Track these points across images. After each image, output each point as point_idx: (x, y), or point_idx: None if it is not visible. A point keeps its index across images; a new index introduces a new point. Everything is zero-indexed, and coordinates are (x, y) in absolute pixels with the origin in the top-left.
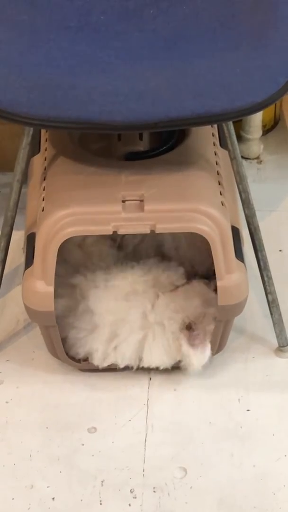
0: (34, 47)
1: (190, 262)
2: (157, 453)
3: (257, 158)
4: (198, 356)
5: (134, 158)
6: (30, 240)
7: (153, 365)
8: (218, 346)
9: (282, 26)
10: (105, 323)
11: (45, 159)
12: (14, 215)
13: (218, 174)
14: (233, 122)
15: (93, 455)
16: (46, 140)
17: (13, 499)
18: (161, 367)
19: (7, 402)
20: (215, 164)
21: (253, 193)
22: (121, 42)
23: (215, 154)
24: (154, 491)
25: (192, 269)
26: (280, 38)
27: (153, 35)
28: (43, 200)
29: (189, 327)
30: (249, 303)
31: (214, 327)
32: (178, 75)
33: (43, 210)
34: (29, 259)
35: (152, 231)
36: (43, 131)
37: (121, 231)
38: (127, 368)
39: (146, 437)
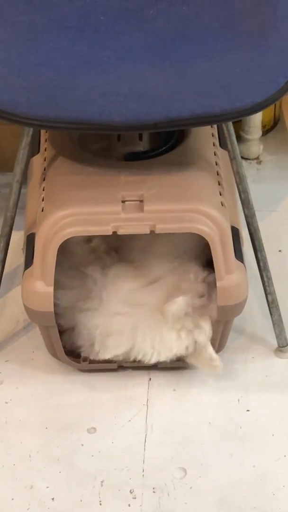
0: (33, 48)
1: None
2: (157, 454)
3: (257, 158)
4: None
5: (133, 159)
6: (30, 240)
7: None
8: (217, 347)
9: (282, 26)
10: (117, 311)
11: (45, 160)
12: (13, 215)
13: (217, 174)
14: (233, 123)
15: (92, 456)
16: (45, 141)
17: (12, 499)
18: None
19: (6, 403)
20: (215, 164)
21: (252, 194)
22: (121, 42)
23: (215, 155)
24: (154, 492)
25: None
26: (280, 38)
27: (153, 36)
28: (43, 200)
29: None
30: (248, 304)
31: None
32: (178, 75)
33: (42, 211)
34: (29, 260)
35: (152, 232)
36: (42, 131)
37: (121, 232)
38: (127, 368)
39: (145, 437)
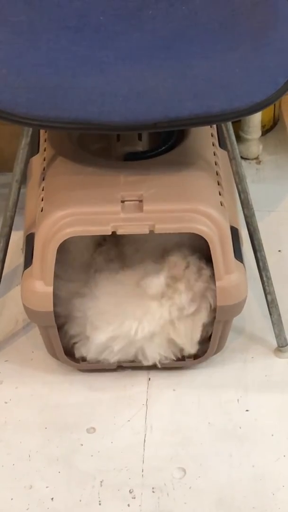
0: (33, 48)
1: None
2: (156, 454)
3: (256, 158)
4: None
5: (133, 159)
6: (29, 240)
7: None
8: (217, 346)
9: (281, 26)
10: (105, 291)
11: (44, 160)
12: (13, 215)
13: (217, 174)
14: (232, 123)
15: (92, 456)
16: (45, 141)
17: (12, 499)
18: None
19: (6, 403)
20: (214, 164)
21: (252, 194)
22: (120, 42)
23: (214, 155)
24: (153, 492)
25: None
26: (279, 38)
27: (152, 36)
28: (42, 200)
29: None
30: (248, 304)
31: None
32: (177, 75)
33: (42, 211)
34: (28, 260)
35: (151, 232)
36: (42, 131)
37: (120, 232)
38: (126, 368)
39: (145, 437)
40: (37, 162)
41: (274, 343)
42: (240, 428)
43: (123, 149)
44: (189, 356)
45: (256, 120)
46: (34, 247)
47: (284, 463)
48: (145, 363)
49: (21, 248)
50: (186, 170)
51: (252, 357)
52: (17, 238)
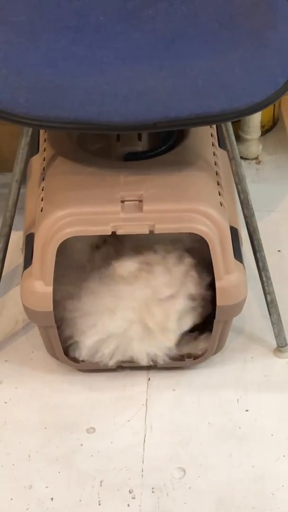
0: (32, 48)
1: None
2: (156, 454)
3: (256, 158)
4: None
5: (133, 159)
6: (29, 240)
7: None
8: (216, 346)
9: (281, 26)
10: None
11: (44, 160)
12: (13, 215)
13: (217, 174)
14: (232, 123)
15: (91, 456)
16: (45, 141)
17: (11, 499)
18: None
19: (5, 403)
20: (214, 164)
21: (252, 194)
22: (120, 42)
23: (214, 155)
24: (153, 492)
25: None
26: (279, 38)
27: (152, 35)
28: (42, 200)
29: None
30: (247, 304)
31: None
32: (177, 75)
33: (42, 211)
34: (28, 260)
35: (151, 232)
36: (42, 131)
37: (120, 232)
38: (126, 368)
39: (144, 437)
40: (37, 162)
41: (273, 343)
42: (240, 428)
43: (123, 149)
44: (188, 356)
45: (255, 120)
46: (34, 247)
47: (283, 463)
48: (141, 362)
49: (20, 248)
50: (186, 170)
51: (252, 357)
52: (16, 238)
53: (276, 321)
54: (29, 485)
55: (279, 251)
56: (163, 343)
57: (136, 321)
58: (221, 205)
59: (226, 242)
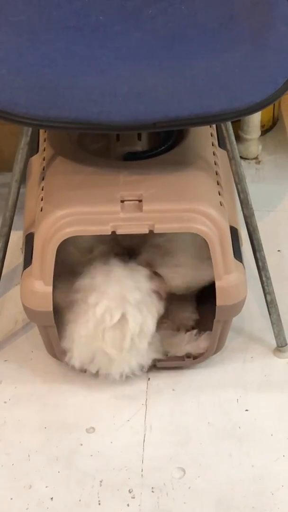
0: (32, 48)
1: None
2: (156, 453)
3: (256, 158)
4: None
5: (132, 158)
6: (29, 240)
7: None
8: (216, 346)
9: (280, 26)
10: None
11: (44, 159)
12: (12, 215)
13: (216, 174)
14: (232, 122)
15: (91, 455)
16: (44, 140)
17: (11, 499)
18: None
19: (5, 402)
20: (214, 164)
21: (251, 193)
22: (120, 42)
23: (214, 154)
24: (153, 491)
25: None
26: (279, 38)
27: (152, 35)
28: (42, 200)
29: None
30: (247, 303)
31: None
32: (177, 75)
33: (41, 210)
34: (28, 259)
35: (151, 231)
36: (41, 131)
37: (120, 231)
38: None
39: (144, 437)
40: (36, 161)
41: (273, 343)
42: (239, 428)
43: (123, 149)
44: (188, 356)
45: (255, 120)
46: (34, 247)
47: (283, 463)
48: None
49: (20, 248)
50: (186, 170)
51: (252, 357)
52: (16, 238)
53: (275, 321)
54: (29, 485)
55: (279, 251)
56: (124, 359)
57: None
58: (221, 205)
59: (226, 242)
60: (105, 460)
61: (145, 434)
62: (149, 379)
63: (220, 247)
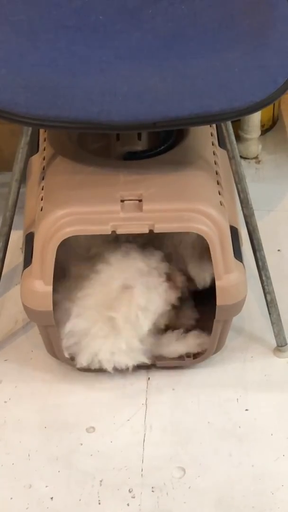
0: (32, 47)
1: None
2: (156, 453)
3: (256, 157)
4: None
5: (132, 158)
6: (29, 239)
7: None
8: (216, 346)
9: (280, 26)
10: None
11: (44, 159)
12: (12, 215)
13: (216, 173)
14: (232, 122)
15: (91, 455)
16: (44, 140)
17: (11, 498)
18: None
19: (5, 402)
20: (214, 163)
21: (251, 193)
22: (120, 41)
23: (214, 154)
24: (153, 491)
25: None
26: (279, 38)
27: (152, 35)
28: (42, 199)
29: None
30: (247, 303)
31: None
32: (177, 74)
33: (41, 210)
34: (28, 259)
35: (151, 231)
36: (41, 130)
37: (120, 231)
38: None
39: (144, 437)
40: (36, 161)
41: (273, 342)
42: (239, 427)
43: (123, 149)
44: (188, 355)
45: (255, 119)
46: (34, 247)
47: (283, 463)
48: (105, 365)
49: (20, 248)
50: (186, 170)
51: (252, 357)
52: (16, 238)
53: (275, 321)
54: (29, 485)
55: (279, 250)
56: (128, 338)
57: (99, 320)
58: (221, 204)
59: (226, 241)
60: (105, 459)
61: (145, 434)
62: (149, 378)
63: (220, 247)
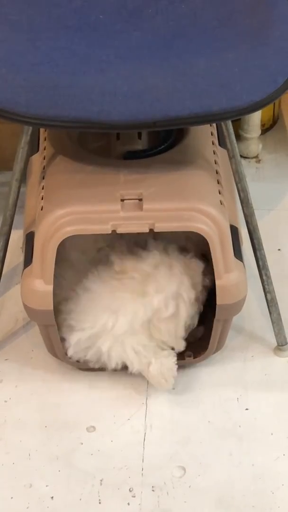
0: (32, 47)
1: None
2: (156, 452)
3: (256, 157)
4: None
5: (132, 157)
6: (29, 239)
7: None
8: (217, 345)
9: (280, 25)
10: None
11: (44, 158)
12: (13, 214)
13: (217, 173)
14: (232, 121)
15: (92, 454)
16: (45, 139)
17: (12, 498)
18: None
19: (5, 401)
20: (214, 163)
21: (251, 192)
22: (120, 41)
23: (214, 153)
24: (153, 490)
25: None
26: (279, 37)
27: (152, 34)
28: (42, 199)
29: None
30: (247, 302)
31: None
32: (177, 74)
33: (42, 209)
34: (28, 258)
35: (151, 230)
36: (42, 130)
37: (120, 230)
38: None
39: (145, 436)
40: (37, 160)
41: (273, 341)
42: (239, 426)
43: (123, 148)
44: (188, 355)
45: (255, 119)
46: (34, 246)
47: (283, 462)
48: (132, 365)
49: (20, 247)
50: (186, 169)
51: (252, 356)
52: (16, 237)
53: (276, 320)
54: (29, 484)
55: (279, 249)
56: (174, 347)
57: (139, 330)
58: (221, 203)
59: (226, 241)
60: (105, 459)
61: (145, 433)
62: None
63: (221, 246)
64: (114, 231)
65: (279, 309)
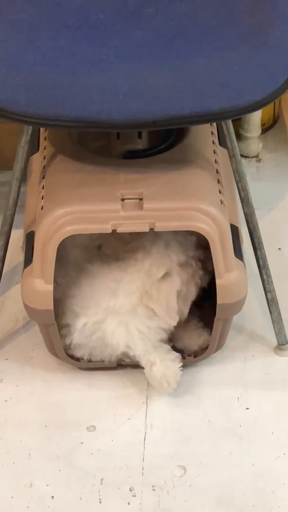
0: (33, 46)
1: None
2: (156, 452)
3: (256, 156)
4: None
5: (133, 157)
6: (29, 238)
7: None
8: (217, 345)
9: (281, 25)
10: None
11: (44, 158)
12: (13, 213)
13: (217, 172)
14: (232, 121)
15: (92, 454)
16: (45, 139)
17: (12, 497)
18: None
19: (6, 401)
20: (214, 162)
21: (252, 192)
22: (120, 40)
23: (214, 153)
24: (153, 490)
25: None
26: (279, 37)
27: (152, 34)
28: (42, 198)
29: None
30: (248, 302)
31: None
32: (177, 73)
33: (42, 209)
34: (28, 258)
35: (151, 230)
36: (42, 129)
37: (120, 230)
38: (126, 366)
39: (145, 435)
40: (37, 160)
41: (274, 341)
42: (240, 426)
43: (123, 147)
44: (189, 354)
45: (256, 118)
46: (34, 245)
47: (284, 461)
48: (136, 348)
49: (21, 247)
50: (186, 168)
51: (252, 355)
52: (17, 237)
53: (276, 319)
54: (29, 484)
55: (279, 249)
56: (166, 323)
57: (139, 303)
58: (221, 203)
59: (227, 240)
60: (106, 458)
61: (145, 433)
62: None
63: (221, 245)
64: (114, 230)
65: (280, 308)
